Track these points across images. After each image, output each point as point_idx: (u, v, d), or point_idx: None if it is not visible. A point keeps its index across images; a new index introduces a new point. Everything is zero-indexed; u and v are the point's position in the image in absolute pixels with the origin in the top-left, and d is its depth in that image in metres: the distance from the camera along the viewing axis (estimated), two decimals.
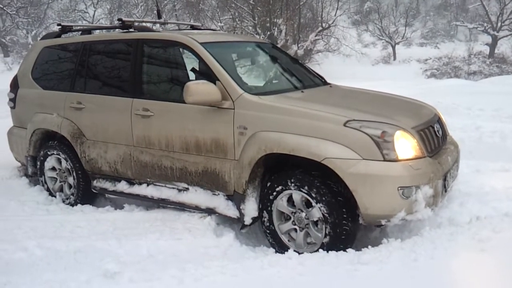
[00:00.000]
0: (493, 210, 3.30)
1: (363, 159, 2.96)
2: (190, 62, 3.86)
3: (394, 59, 24.11)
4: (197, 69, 3.79)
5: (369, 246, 2.98)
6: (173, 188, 3.86)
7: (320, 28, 20.66)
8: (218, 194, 3.62)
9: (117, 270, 2.67)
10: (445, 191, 3.29)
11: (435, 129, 3.49)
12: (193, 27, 4.99)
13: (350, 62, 21.06)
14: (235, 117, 3.40)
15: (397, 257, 2.72)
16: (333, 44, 21.62)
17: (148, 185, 4.02)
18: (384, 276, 2.55)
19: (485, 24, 22.26)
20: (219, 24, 21.78)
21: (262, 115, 3.32)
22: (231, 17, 22.14)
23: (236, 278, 2.62)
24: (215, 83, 3.45)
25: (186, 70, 3.92)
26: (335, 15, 21.65)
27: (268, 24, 20.14)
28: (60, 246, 3.14)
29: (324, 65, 16.50)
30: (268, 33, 19.14)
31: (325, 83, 4.41)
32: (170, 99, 3.81)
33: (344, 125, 3.04)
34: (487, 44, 21.67)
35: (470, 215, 3.25)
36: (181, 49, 3.88)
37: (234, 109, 3.41)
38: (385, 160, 2.95)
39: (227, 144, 3.45)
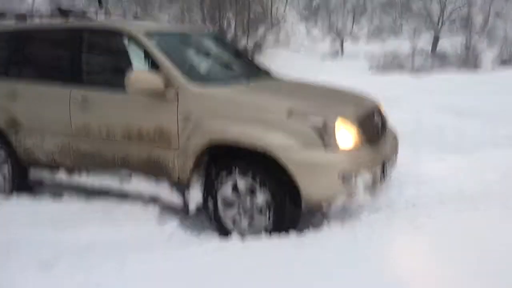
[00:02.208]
0: (428, 197, 3.47)
1: (305, 147, 3.01)
2: (133, 52, 3.76)
3: (342, 54, 24.63)
4: (140, 58, 3.69)
5: (311, 229, 3.04)
6: (115, 177, 3.75)
7: (269, 23, 20.79)
8: (162, 182, 3.57)
9: (53, 260, 2.57)
10: (384, 178, 3.41)
11: (375, 119, 3.60)
12: (136, 18, 4.86)
13: (300, 57, 21.31)
14: (178, 106, 3.36)
15: (338, 240, 2.80)
16: (283, 39, 21.81)
17: (88, 174, 3.89)
18: (325, 258, 2.61)
19: (427, 23, 23.27)
20: (166, 16, 21.37)
21: (206, 105, 3.30)
22: (179, 8, 21.80)
23: (179, 264, 2.60)
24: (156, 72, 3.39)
25: (127, 59, 3.81)
26: (284, 11, 21.84)
27: (217, 17, 20.00)
28: None
29: (274, 58, 16.60)
30: (217, 24, 19.00)
31: (269, 75, 4.44)
32: (111, 88, 3.69)
33: (286, 114, 3.08)
34: (430, 42, 22.68)
35: (406, 201, 3.39)
36: (123, 38, 3.77)
37: (178, 98, 3.36)
38: (326, 148, 3.02)
39: (171, 133, 3.40)
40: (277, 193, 3.11)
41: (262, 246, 2.86)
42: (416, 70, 17.39)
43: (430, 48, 22.53)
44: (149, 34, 3.68)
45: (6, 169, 4.27)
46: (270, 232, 3.13)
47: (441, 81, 11.92)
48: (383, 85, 10.79)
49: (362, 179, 3.06)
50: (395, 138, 3.89)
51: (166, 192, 3.54)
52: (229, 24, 19.81)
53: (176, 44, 4.00)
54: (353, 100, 3.83)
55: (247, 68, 4.39)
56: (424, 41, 22.60)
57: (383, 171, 3.34)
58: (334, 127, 3.05)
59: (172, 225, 3.32)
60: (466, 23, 22.85)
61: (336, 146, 3.04)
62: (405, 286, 2.28)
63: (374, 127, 3.51)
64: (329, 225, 3.08)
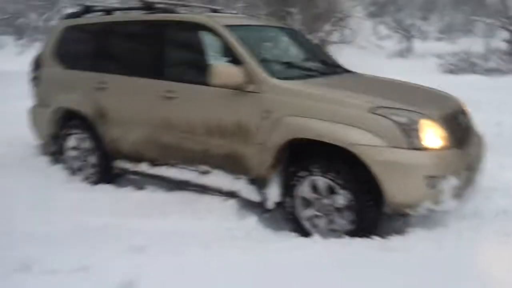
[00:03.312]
0: None
1: (390, 146, 2.94)
2: (214, 45, 3.85)
3: (410, 52, 23.83)
4: (222, 52, 3.77)
5: (394, 235, 2.97)
6: (195, 170, 3.86)
7: (334, 19, 20.43)
8: (241, 177, 3.62)
9: (143, 245, 2.69)
10: (470, 183, 3.27)
11: (460, 120, 3.46)
12: (215, 11, 4.96)
13: (365, 54, 20.83)
14: (260, 101, 3.39)
15: (423, 246, 2.72)
16: (348, 36, 21.41)
17: (169, 167, 4.03)
18: (411, 264, 2.54)
19: (503, 20, 21.93)
20: (233, 12, 21.54)
21: (287, 99, 3.31)
22: (244, 4, 21.96)
23: (260, 258, 2.64)
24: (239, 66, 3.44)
25: (209, 52, 3.91)
26: (350, 7, 21.35)
27: (282, 13, 19.97)
28: (86, 221, 3.18)
29: (338, 56, 16.37)
30: (282, 22, 19.03)
31: (347, 71, 4.39)
32: (193, 81, 3.80)
33: (371, 111, 3.03)
34: (505, 40, 21.37)
35: (496, 209, 3.23)
36: (204, 32, 3.86)
37: (259, 93, 3.40)
38: (411, 148, 2.93)
39: (251, 128, 3.44)
40: (359, 194, 3.06)
41: (343, 247, 2.83)
42: (490, 71, 16.47)
43: (505, 47, 21.26)
44: (232, 28, 3.74)
45: (93, 158, 4.52)
46: (349, 235, 3.08)
47: None
48: (457, 86, 10.29)
49: (449, 183, 2.95)
50: (480, 141, 3.71)
51: (244, 188, 3.58)
52: (293, 20, 19.73)
53: (257, 38, 4.04)
54: (438, 99, 3.71)
55: (325, 63, 4.36)
56: (499, 40, 21.35)
57: (470, 175, 3.20)
58: (420, 126, 2.96)
59: (252, 220, 3.36)
60: None
61: (422, 146, 2.94)
62: None
63: (460, 128, 3.37)
64: (414, 230, 2.98)
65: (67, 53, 4.74)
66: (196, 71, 3.90)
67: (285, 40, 4.37)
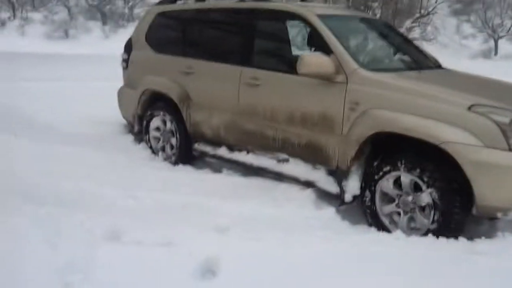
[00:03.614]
0: None
1: (487, 146, 2.79)
2: (302, 34, 3.84)
3: (496, 54, 22.42)
4: (312, 41, 3.75)
5: (483, 238, 2.82)
6: (273, 157, 3.89)
7: (417, 15, 19.71)
8: (320, 168, 3.60)
9: (226, 225, 2.75)
10: None
11: None
12: (304, 0, 4.94)
13: (447, 53, 19.87)
14: (347, 92, 3.34)
15: None
16: (429, 33, 20.56)
17: (248, 153, 4.09)
18: (500, 268, 2.40)
19: None
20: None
21: (376, 91, 3.23)
22: None
23: (341, 250, 2.60)
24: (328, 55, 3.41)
25: (298, 41, 3.92)
26: (436, 1, 20.45)
27: (362, 7, 19.54)
28: (169, 199, 3.31)
29: None
30: None
31: (439, 66, 4.20)
32: (280, 69, 3.82)
33: (469, 109, 2.88)
34: None
35: None
36: (295, 21, 3.86)
37: (347, 83, 3.35)
38: (510, 150, 2.76)
39: (336, 119, 3.40)
40: (446, 193, 2.93)
41: (427, 246, 2.73)
42: None
43: None
44: (324, 17, 3.71)
45: (175, 140, 4.68)
46: (432, 234, 2.96)
47: None
48: None
49: None
50: None
51: (323, 179, 3.56)
52: (374, 14, 19.25)
53: (348, 28, 3.99)
54: None
55: (417, 57, 4.22)
56: None
57: None
58: None
59: (330, 211, 3.33)
60: None
61: None
62: None
63: None
64: (503, 235, 2.82)
65: (157, 37, 4.95)
66: (284, 59, 3.92)
67: (376, 32, 4.27)
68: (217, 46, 4.43)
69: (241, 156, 4.12)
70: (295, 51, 3.72)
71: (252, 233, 2.73)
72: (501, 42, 23.24)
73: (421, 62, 4.11)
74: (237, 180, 3.96)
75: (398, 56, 4.14)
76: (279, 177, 3.84)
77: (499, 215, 2.85)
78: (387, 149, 3.25)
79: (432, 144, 2.93)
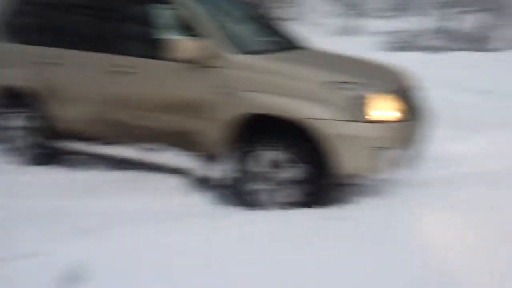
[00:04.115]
0: (459, 172, 3.48)
1: (341, 119, 3.00)
2: (174, 17, 3.70)
3: (353, 31, 24.26)
4: (185, 25, 3.63)
5: (344, 205, 3.06)
6: (147, 148, 3.75)
7: None
8: (193, 154, 3.57)
9: (93, 226, 2.61)
10: (416, 154, 3.40)
11: (407, 94, 3.57)
12: None
13: (311, 32, 21.01)
14: (220, 75, 3.33)
15: (372, 214, 2.82)
16: (298, 13, 21.49)
17: (122, 146, 3.88)
18: (363, 231, 2.63)
19: None
20: None
21: (245, 74, 3.27)
22: None
23: (214, 235, 2.62)
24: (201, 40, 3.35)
25: (167, 25, 3.76)
26: None
27: None
28: (34, 205, 3.04)
29: None
30: None
31: (302, 46, 4.40)
32: (151, 55, 3.62)
33: (324, 85, 3.06)
34: (444, 18, 22.22)
35: (438, 177, 3.40)
36: (167, 4, 3.71)
37: (220, 67, 3.33)
38: (361, 121, 3.00)
39: (207, 104, 3.38)
40: (309, 167, 3.11)
41: (295, 217, 2.87)
42: (429, 48, 17.13)
43: (440, 25, 22.14)
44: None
45: (38, 138, 4.25)
46: (303, 206, 3.13)
47: (458, 59, 11.77)
48: (402, 62, 10.67)
49: (396, 154, 3.06)
50: (425, 114, 3.86)
51: (196, 165, 3.54)
52: None
53: (218, 11, 3.90)
54: (387, 73, 3.80)
55: (283, 38, 4.35)
56: (434, 19, 22.19)
57: (415, 147, 3.33)
58: (370, 100, 3.03)
59: (204, 196, 3.34)
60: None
61: (371, 118, 3.01)
62: (440, 259, 2.30)
63: (407, 101, 3.48)
64: (365, 200, 3.08)
65: (16, 26, 4.40)
66: (154, 45, 3.74)
67: (242, 14, 4.28)
68: (80, 33, 4.07)
69: (115, 150, 3.88)
70: (166, 36, 3.57)
71: (123, 229, 2.63)
72: (357, 19, 25.17)
73: (287, 43, 4.25)
74: (110, 176, 3.76)
75: (266, 38, 4.21)
76: (154, 168, 3.73)
77: (356, 181, 3.11)
78: (259, 130, 3.33)
79: (292, 121, 3.06)
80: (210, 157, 3.43)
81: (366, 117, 3.01)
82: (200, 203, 3.34)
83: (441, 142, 4.18)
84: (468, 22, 19.90)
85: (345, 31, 23.60)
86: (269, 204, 3.29)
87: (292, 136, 3.16)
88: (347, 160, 3.02)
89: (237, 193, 3.41)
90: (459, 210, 2.86)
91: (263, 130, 3.28)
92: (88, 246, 2.40)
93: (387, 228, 2.62)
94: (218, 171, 3.42)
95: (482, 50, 15.36)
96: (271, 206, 3.23)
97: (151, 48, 3.69)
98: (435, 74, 8.36)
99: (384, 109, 3.09)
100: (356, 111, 3.00)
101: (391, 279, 2.14)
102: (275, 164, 3.25)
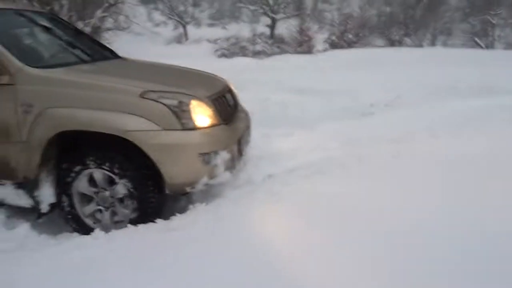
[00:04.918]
0: (281, 168, 3.73)
1: (163, 129, 2.97)
2: None
3: (186, 39, 24.68)
4: None
5: (177, 214, 3.04)
6: None
7: (106, 5, 19.69)
8: (4, 183, 3.20)
9: None
10: (241, 155, 3.56)
11: (227, 98, 3.72)
12: None
13: (142, 41, 20.74)
14: (16, 93, 3.02)
15: (204, 220, 2.85)
16: (122, 22, 20.93)
17: None
18: (192, 239, 2.64)
19: (264, 7, 24.49)
20: None
21: (49, 89, 3.03)
22: None
23: (37, 268, 2.38)
24: None
25: None
26: None
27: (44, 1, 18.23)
28: None
29: (115, 43, 15.89)
30: (48, 8, 17.39)
31: (116, 56, 4.26)
32: None
33: (141, 96, 3.00)
34: (268, 25, 23.91)
35: (263, 174, 3.60)
36: None
37: (14, 84, 3.02)
38: (184, 129, 3.02)
39: (10, 125, 3.05)
40: (138, 181, 3.02)
41: (127, 236, 2.76)
42: (257, 53, 18.28)
43: (269, 32, 23.87)
44: None
45: None
46: (135, 224, 3.01)
47: (280, 63, 12.79)
48: (229, 68, 11.17)
49: (222, 157, 3.15)
50: (247, 115, 4.07)
51: (11, 194, 3.18)
52: (61, 6, 18.23)
53: (5, 23, 3.55)
54: (204, 80, 3.90)
55: (91, 49, 4.14)
56: (263, 25, 23.85)
57: (239, 147, 3.48)
58: (190, 107, 3.06)
59: (24, 228, 3.01)
60: (299, 7, 24.73)
61: (193, 126, 3.05)
62: (275, 252, 2.43)
63: (227, 105, 3.62)
64: (195, 207, 3.10)
65: None
66: None
67: (42, 25, 3.94)
68: None
69: None
70: None
71: None
72: (189, 28, 25.64)
73: (96, 54, 4.07)
74: None
75: (69, 49, 3.94)
76: None
77: (187, 189, 3.12)
78: (75, 148, 3.12)
79: (115, 136, 2.94)
80: (30, 184, 3.10)
81: (188, 124, 3.03)
82: (23, 235, 3.00)
83: (264, 140, 4.46)
84: (291, 27, 21.87)
85: (179, 40, 23.92)
86: (102, 225, 3.12)
87: (115, 152, 3.03)
88: (175, 169, 3.02)
89: (67, 219, 3.16)
90: (282, 199, 3.05)
91: (78, 147, 3.09)
92: None
93: (216, 231, 2.67)
94: (41, 197, 3.12)
95: (305, 53, 16.97)
96: (105, 227, 3.06)
97: None
98: (261, 76, 8.96)
99: (205, 114, 3.16)
100: (177, 119, 3.00)
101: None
102: (102, 183, 3.09)
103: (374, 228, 2.53)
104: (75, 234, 3.10)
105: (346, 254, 2.33)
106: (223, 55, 18.13)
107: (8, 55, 3.07)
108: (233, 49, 19.34)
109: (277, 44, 20.73)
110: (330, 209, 2.82)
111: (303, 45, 19.91)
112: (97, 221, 3.18)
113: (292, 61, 13.26)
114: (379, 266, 2.20)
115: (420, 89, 7.31)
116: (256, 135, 4.24)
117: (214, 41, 21.04)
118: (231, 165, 3.29)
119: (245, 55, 17.42)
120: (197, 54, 17.79)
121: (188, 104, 3.06)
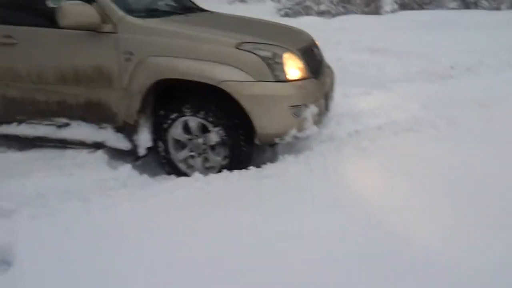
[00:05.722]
0: (365, 125, 3.73)
1: (257, 80, 3.04)
2: None
3: None
4: None
5: (268, 164, 3.14)
6: (51, 124, 3.52)
7: None
8: (106, 126, 3.42)
9: (12, 208, 2.41)
10: (327, 110, 3.58)
11: (314, 52, 3.71)
12: None
13: (206, 0, 20.71)
14: (118, 42, 3.17)
15: (295, 170, 2.94)
16: None
17: (19, 124, 3.60)
18: (286, 187, 2.74)
19: None
20: None
21: (148, 39, 3.14)
22: None
23: (145, 203, 2.58)
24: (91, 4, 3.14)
25: None
26: None
27: None
28: None
29: None
30: None
31: (202, 10, 4.33)
32: (38, 24, 3.36)
33: (237, 47, 3.06)
34: None
35: (347, 130, 3.62)
36: None
37: (116, 33, 3.17)
38: (276, 80, 3.06)
39: (112, 72, 3.22)
40: (231, 130, 3.14)
41: (223, 181, 2.90)
42: (321, 13, 17.79)
43: None
44: None
45: None
46: (226, 169, 3.15)
47: (348, 23, 12.41)
48: (298, 27, 11.01)
49: (311, 111, 3.18)
50: (331, 71, 4.05)
51: (111, 137, 3.40)
52: None
53: None
54: (292, 33, 3.91)
55: (178, 1, 4.25)
56: None
57: (326, 102, 3.50)
58: (283, 59, 3.08)
59: (126, 168, 3.22)
60: None
61: (285, 78, 3.08)
62: (363, 204, 2.49)
63: (315, 60, 3.62)
64: (284, 158, 3.18)
65: None
66: (40, 12, 3.44)
67: None
68: None
69: (11, 129, 3.60)
70: (51, 2, 3.30)
71: (44, 209, 2.46)
72: None
73: (187, 6, 4.16)
74: (13, 156, 3.47)
75: (161, 1, 4.07)
76: (63, 144, 3.51)
77: (277, 140, 3.20)
78: (172, 96, 3.27)
79: (210, 85, 3.05)
80: (129, 128, 3.30)
81: (281, 76, 3.08)
82: (125, 175, 3.20)
83: (344, 99, 4.44)
84: None
85: None
86: (195, 170, 3.26)
87: (210, 101, 3.14)
88: (266, 120, 3.09)
89: (162, 164, 3.34)
90: (370, 155, 3.08)
91: (176, 96, 3.22)
92: (8, 229, 2.21)
93: (308, 182, 2.75)
94: (139, 141, 3.31)
95: (372, 13, 16.34)
96: (199, 172, 3.20)
97: (38, 15, 3.41)
98: (331, 36, 8.78)
99: (297, 67, 3.19)
100: (270, 71, 3.05)
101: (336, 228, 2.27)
102: (195, 130, 3.23)
103: (474, 190, 2.52)
104: (172, 176, 3.28)
105: (444, 212, 2.34)
106: (286, 15, 17.77)
107: (111, 4, 3.20)
108: (296, 9, 18.90)
109: (342, 4, 20.00)
110: (426, 169, 2.81)
111: (371, 5, 19.09)
112: (189, 166, 3.35)
113: (360, 21, 12.83)
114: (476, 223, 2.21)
115: (504, 53, 6.89)
116: (335, 93, 4.23)
117: (278, 0, 20.58)
118: (318, 120, 3.32)
119: (308, 14, 17.00)
120: (260, 14, 17.56)
121: (281, 57, 3.09)
